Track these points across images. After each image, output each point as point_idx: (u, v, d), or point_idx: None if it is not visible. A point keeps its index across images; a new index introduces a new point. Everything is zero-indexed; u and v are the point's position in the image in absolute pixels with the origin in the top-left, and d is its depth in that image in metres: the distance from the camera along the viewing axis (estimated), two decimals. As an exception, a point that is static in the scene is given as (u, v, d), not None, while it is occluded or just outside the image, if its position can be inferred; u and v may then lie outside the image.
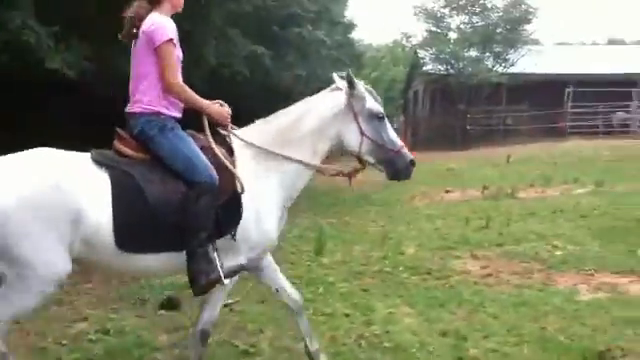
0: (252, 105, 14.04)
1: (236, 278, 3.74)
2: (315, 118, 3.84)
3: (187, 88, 3.56)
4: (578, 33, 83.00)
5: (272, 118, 3.91)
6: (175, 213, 3.37)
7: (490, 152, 25.06)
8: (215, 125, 3.73)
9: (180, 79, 3.56)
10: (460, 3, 31.86)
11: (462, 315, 5.31)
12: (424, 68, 33.85)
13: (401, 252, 7.83)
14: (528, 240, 8.14)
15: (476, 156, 24.38)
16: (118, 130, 3.59)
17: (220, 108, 3.73)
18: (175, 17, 3.69)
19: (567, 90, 31.63)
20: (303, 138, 3.81)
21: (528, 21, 31.56)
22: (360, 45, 58.19)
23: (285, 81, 18.48)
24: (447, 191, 14.64)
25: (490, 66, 31.69)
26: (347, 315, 5.38)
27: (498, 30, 31.41)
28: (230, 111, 3.78)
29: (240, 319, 5.26)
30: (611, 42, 64.68)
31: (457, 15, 32.55)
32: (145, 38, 3.48)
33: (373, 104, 3.89)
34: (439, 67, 32.29)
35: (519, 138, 29.59)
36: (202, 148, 3.57)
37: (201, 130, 3.70)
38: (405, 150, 3.90)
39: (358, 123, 3.84)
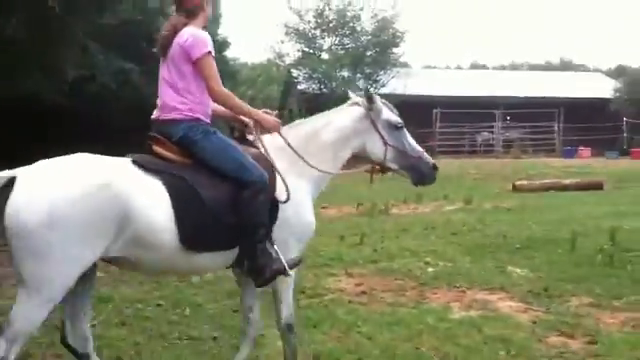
0: (123, 121, 13.39)
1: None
2: (336, 130, 4.12)
3: (233, 95, 3.81)
4: (443, 57, 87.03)
5: (296, 128, 4.13)
6: (230, 213, 3.52)
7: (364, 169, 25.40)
8: (265, 132, 3.91)
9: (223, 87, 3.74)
10: (330, 25, 32.37)
11: (335, 335, 5.03)
12: (298, 87, 34.04)
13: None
14: (402, 257, 8.06)
15: (353, 173, 24.66)
16: (156, 136, 3.67)
17: (269, 116, 3.93)
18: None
19: (435, 111, 32.94)
20: (325, 146, 4.07)
21: (396, 44, 32.58)
22: (235, 63, 57.99)
23: (155, 98, 17.92)
24: (323, 207, 14.54)
25: (361, 86, 32.38)
26: (215, 338, 4.98)
27: (368, 53, 32.20)
28: (279, 120, 3.95)
29: (97, 343, 4.71)
30: (474, 67, 68.56)
31: (328, 37, 33.05)
32: (182, 50, 3.62)
33: (391, 115, 4.19)
34: (312, 86, 32.59)
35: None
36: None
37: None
38: (426, 155, 4.21)
39: (380, 133, 4.12)
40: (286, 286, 3.93)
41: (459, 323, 5.23)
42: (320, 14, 32.27)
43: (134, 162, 3.46)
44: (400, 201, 14.54)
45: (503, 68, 71.11)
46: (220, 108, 3.90)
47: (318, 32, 32.93)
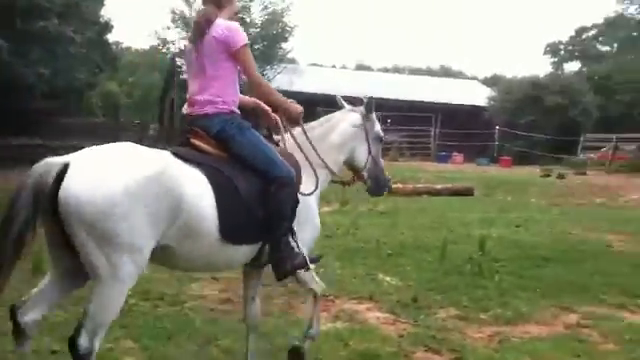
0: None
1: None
2: (339, 134, 4.32)
3: (268, 83, 4.00)
4: (329, 56, 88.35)
5: (310, 127, 4.23)
6: (260, 206, 3.63)
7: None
8: (288, 122, 4.09)
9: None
10: (219, 15, 31.71)
11: (192, 350, 4.67)
12: (181, 77, 33.05)
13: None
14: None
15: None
16: (195, 129, 3.71)
17: (296, 106, 4.02)
18: None
19: (319, 109, 33.02)
20: (330, 149, 4.24)
21: (285, 39, 32.33)
22: (119, 49, 55.61)
23: (27, 78, 16.70)
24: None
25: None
26: (54, 352, 4.44)
27: (256, 46, 31.75)
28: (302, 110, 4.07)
29: None
30: (359, 67, 69.79)
31: (216, 26, 32.34)
32: (218, 43, 3.64)
33: (379, 128, 4.51)
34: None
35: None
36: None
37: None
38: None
39: (368, 143, 4.40)
40: (309, 276, 4.15)
41: (325, 336, 4.98)
42: (207, 2, 31.50)
43: (174, 154, 3.50)
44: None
45: (386, 70, 73.02)
46: (244, 99, 4.03)
47: (204, 21, 32.13)
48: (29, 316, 3.24)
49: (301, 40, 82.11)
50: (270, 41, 31.58)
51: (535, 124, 33.31)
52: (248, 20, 31.60)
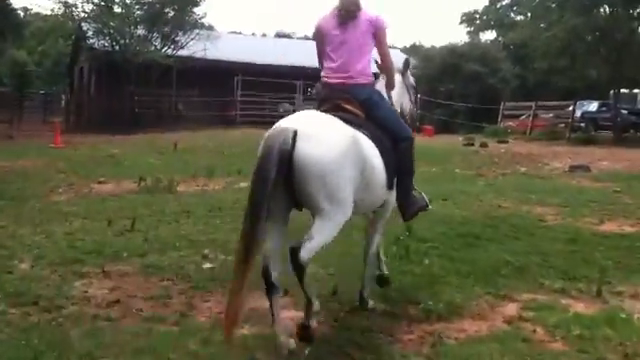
0: None
1: None
2: (395, 94, 5.19)
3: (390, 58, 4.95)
4: (250, 25, 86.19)
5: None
6: (393, 161, 4.41)
7: (158, 138, 23.72)
8: (387, 88, 5.06)
9: None
10: (124, -24, 29.72)
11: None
12: (88, 42, 30.96)
13: (9, 270, 5.92)
14: (176, 248, 6.77)
15: (143, 142, 22.79)
16: (347, 96, 4.48)
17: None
18: None
19: (236, 78, 31.76)
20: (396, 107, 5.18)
21: (196, 3, 30.68)
22: (27, 14, 52.08)
23: None
24: (99, 182, 12.81)
25: (159, 47, 30.25)
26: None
27: (166, 10, 30.02)
28: None
29: None
30: (279, 36, 68.26)
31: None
32: (370, 24, 4.54)
33: (413, 80, 5.64)
34: (104, 43, 29.79)
35: (190, 124, 28.93)
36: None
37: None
38: None
39: (409, 94, 5.51)
40: (384, 222, 4.98)
41: (227, 350, 4.09)
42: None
43: (339, 118, 4.16)
44: (189, 176, 13.24)
45: (307, 39, 71.78)
46: None
47: (111, -17, 30.07)
48: (275, 271, 3.94)
49: (220, 9, 79.46)
50: (181, 4, 29.88)
51: (455, 92, 33.23)
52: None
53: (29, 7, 54.85)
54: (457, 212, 8.78)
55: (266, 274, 3.90)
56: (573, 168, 16.07)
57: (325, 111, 4.28)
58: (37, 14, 60.22)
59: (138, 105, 30.37)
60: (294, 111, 33.08)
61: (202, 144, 21.24)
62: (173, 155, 18.77)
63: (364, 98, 4.49)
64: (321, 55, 4.73)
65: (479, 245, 7.03)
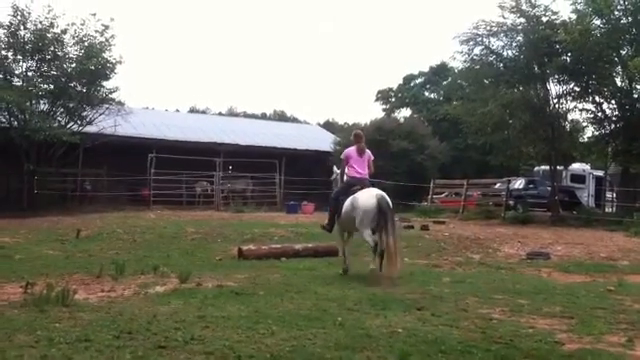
0: None
1: None
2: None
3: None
4: (162, 101, 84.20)
5: None
6: None
7: (60, 223, 20.96)
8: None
9: None
10: (27, 47, 27.12)
11: None
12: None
13: None
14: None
15: (42, 228, 19.93)
16: (364, 182, 11.93)
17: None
18: None
19: (150, 156, 29.43)
20: None
21: (106, 77, 28.41)
22: None
23: None
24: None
25: (64, 122, 27.64)
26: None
27: (72, 84, 27.58)
28: None
29: None
30: (193, 111, 66.46)
31: (23, 61, 27.66)
32: (369, 155, 11.98)
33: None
34: (0, 118, 26.95)
35: (97, 206, 26.32)
36: None
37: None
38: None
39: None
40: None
41: None
42: (13, 33, 26.89)
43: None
44: (92, 276, 10.73)
45: (221, 115, 70.30)
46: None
47: (10, 54, 27.43)
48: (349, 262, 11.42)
49: (133, 85, 77.23)
50: (89, 77, 27.51)
51: (383, 170, 32.01)
52: (61, 54, 27.37)
53: None
54: (446, 331, 6.76)
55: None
56: (532, 256, 14.60)
57: (361, 187, 11.07)
58: None
59: (38, 186, 27.34)
60: (213, 190, 30.49)
61: (110, 230, 18.65)
62: (76, 244, 16.15)
63: (369, 182, 11.33)
64: (346, 165, 11.67)
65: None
